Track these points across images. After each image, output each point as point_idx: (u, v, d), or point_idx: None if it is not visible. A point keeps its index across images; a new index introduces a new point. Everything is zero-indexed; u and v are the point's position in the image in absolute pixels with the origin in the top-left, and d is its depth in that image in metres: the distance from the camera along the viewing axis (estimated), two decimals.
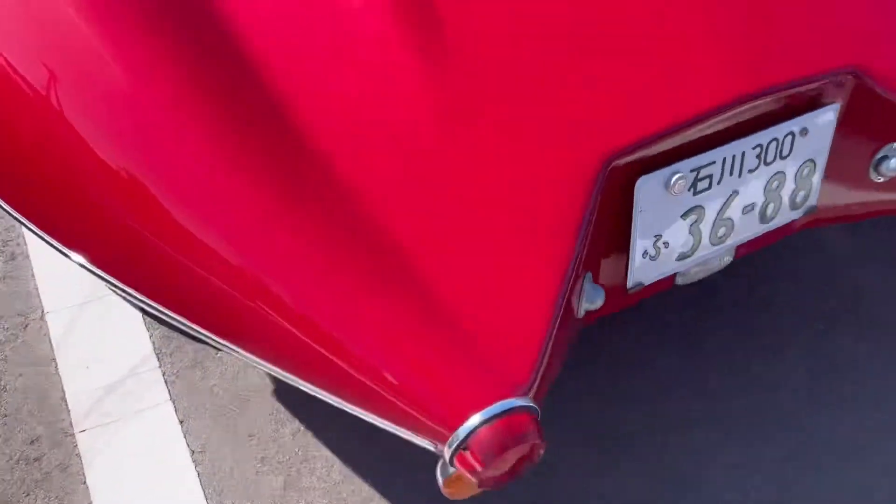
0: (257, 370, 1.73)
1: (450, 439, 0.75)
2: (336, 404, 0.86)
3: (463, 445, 0.75)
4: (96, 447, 1.59)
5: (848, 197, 1.18)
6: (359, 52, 0.95)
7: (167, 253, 0.87)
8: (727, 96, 0.95)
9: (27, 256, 2.06)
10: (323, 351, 0.81)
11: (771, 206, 1.11)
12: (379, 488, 1.50)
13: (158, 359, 1.77)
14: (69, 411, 1.67)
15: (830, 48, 1.02)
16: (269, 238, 0.83)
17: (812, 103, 1.04)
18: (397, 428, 0.82)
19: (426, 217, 0.86)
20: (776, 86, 0.97)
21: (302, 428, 1.61)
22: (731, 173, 1.03)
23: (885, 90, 1.04)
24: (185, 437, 1.61)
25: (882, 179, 1.14)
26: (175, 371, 1.74)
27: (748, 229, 1.12)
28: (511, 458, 0.76)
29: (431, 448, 0.80)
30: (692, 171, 0.99)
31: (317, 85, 0.94)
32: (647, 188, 0.97)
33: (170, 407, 1.67)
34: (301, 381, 0.87)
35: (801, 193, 1.13)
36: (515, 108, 0.94)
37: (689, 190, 1.01)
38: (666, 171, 0.97)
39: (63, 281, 1.97)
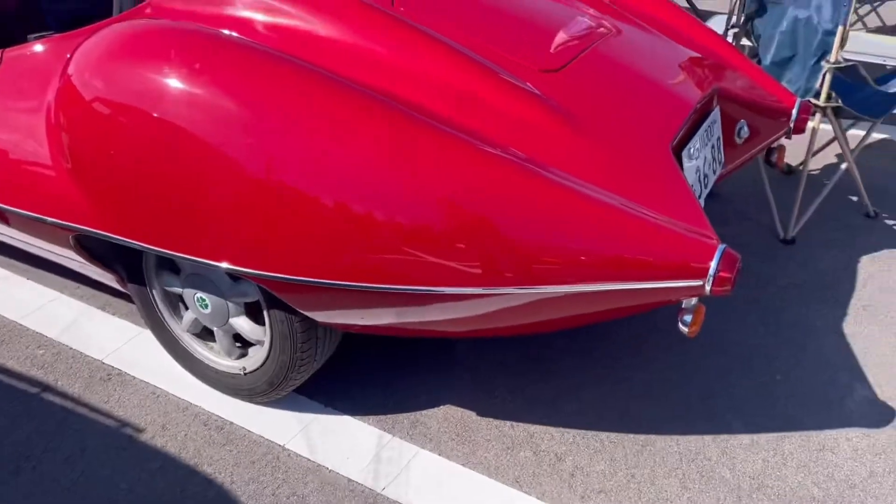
0: None
1: (710, 269, 1.37)
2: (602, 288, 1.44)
3: (717, 272, 1.37)
4: None
5: (730, 155, 2.20)
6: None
7: None
8: (692, 103, 1.91)
9: None
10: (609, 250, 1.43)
11: (714, 161, 2.08)
12: None
13: None
14: None
15: (706, 79, 2.09)
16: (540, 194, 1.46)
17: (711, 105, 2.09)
18: (661, 284, 1.40)
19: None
20: (703, 96, 1.98)
21: None
22: (705, 144, 2.00)
23: (731, 95, 2.15)
24: None
25: (740, 141, 2.20)
26: None
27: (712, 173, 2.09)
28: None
29: (686, 296, 1.43)
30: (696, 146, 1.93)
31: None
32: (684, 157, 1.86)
33: None
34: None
35: (719, 154, 2.11)
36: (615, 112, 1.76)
37: (692, 157, 1.90)
38: (689, 146, 1.88)
39: None
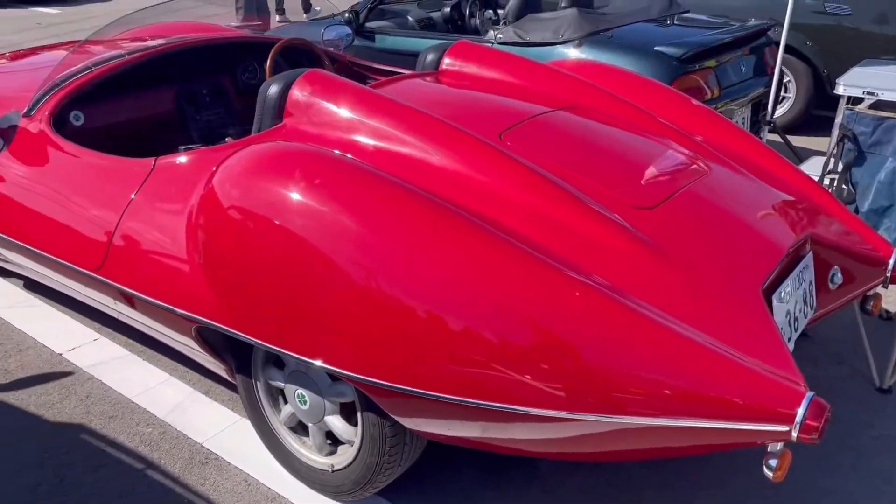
0: None
1: (797, 416, 1.39)
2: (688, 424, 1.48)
3: (804, 419, 1.39)
4: None
5: (822, 300, 2.23)
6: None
7: None
8: (784, 247, 1.98)
9: None
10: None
11: (805, 305, 2.11)
12: None
13: None
14: None
15: (799, 223, 2.15)
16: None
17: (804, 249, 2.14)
18: (745, 426, 1.44)
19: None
20: (796, 240, 2.05)
21: None
22: (796, 288, 2.05)
23: (825, 241, 2.18)
24: None
25: (833, 287, 2.23)
26: None
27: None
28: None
29: (770, 440, 1.46)
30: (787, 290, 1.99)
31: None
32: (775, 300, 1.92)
33: None
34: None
35: (810, 298, 2.15)
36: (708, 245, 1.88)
37: (783, 300, 1.95)
38: (780, 289, 1.94)
39: None
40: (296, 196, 1.75)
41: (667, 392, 1.46)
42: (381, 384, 1.67)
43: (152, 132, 3.10)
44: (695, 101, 2.71)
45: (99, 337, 2.80)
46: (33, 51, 3.69)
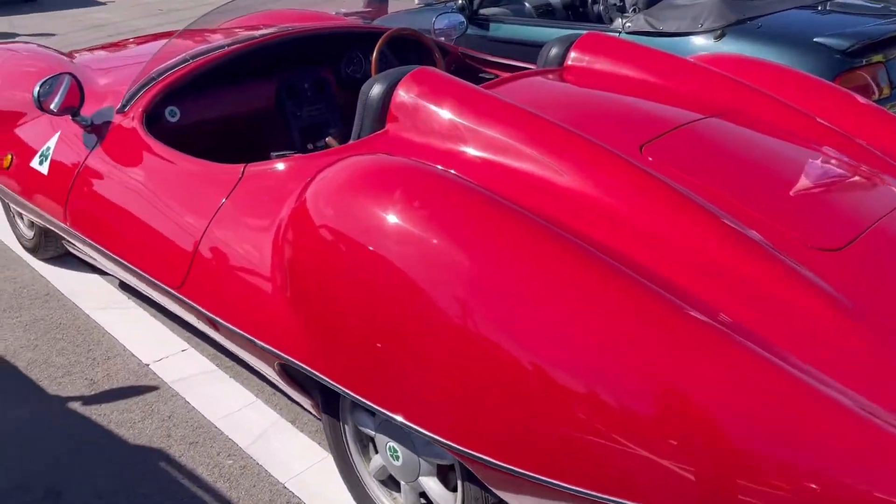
0: None
1: None
2: None
3: None
4: None
5: None
6: None
7: None
8: None
9: None
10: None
11: None
12: None
13: None
14: None
15: None
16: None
17: None
18: None
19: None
20: None
21: None
22: None
23: None
24: None
25: None
26: None
27: None
28: None
29: None
30: None
31: None
32: None
33: None
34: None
35: None
36: None
37: None
38: None
39: None
40: (396, 221, 1.46)
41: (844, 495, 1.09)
42: (480, 458, 1.37)
43: (250, 129, 2.91)
44: (862, 100, 2.25)
45: (187, 347, 2.64)
46: (153, 37, 3.58)
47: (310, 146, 2.95)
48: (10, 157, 2.77)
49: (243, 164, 1.97)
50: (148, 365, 2.55)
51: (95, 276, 3.15)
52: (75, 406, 2.35)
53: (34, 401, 2.38)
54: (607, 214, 1.54)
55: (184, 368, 2.52)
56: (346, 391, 1.56)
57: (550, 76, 2.26)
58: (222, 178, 1.99)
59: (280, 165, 1.91)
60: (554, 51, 2.39)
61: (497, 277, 1.35)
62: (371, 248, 1.48)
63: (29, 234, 3.27)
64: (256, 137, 2.93)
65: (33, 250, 3.30)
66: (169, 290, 2.03)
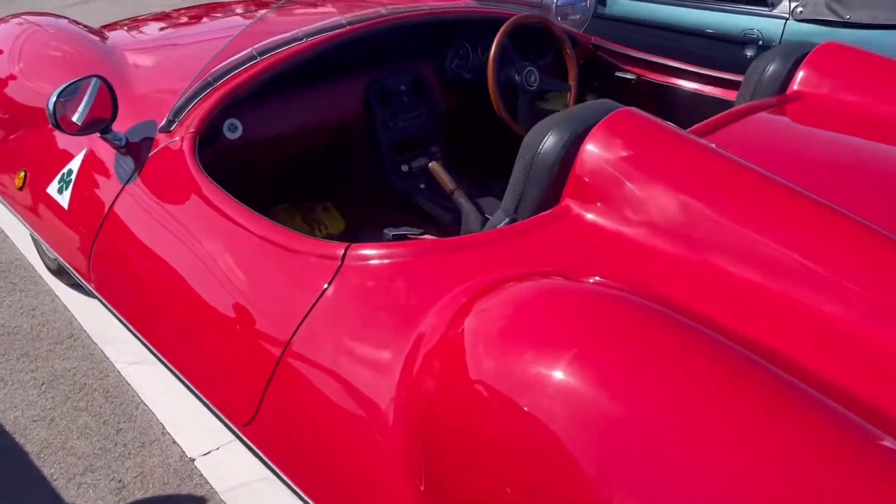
0: None
1: None
2: None
3: None
4: None
5: None
6: None
7: None
8: None
9: None
10: None
11: None
12: None
13: None
14: None
15: None
16: None
17: None
18: None
19: None
20: None
21: None
22: None
23: None
24: None
25: None
26: None
27: None
28: None
29: None
30: None
31: None
32: None
33: None
34: None
35: None
36: None
37: None
38: None
39: None
40: (589, 405, 0.88)
41: None
42: None
43: (328, 145, 2.25)
44: None
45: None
46: (206, 8, 2.89)
47: (404, 168, 2.29)
48: (23, 174, 2.16)
49: (345, 245, 1.31)
50: (193, 461, 1.95)
51: None
52: None
53: None
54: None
55: (235, 469, 1.92)
56: None
57: (784, 112, 1.55)
58: (312, 263, 1.33)
59: (401, 255, 1.25)
60: (773, 67, 1.67)
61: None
62: (539, 434, 0.87)
63: (53, 253, 2.69)
64: (335, 158, 2.28)
65: (58, 273, 2.73)
66: (232, 427, 1.40)
